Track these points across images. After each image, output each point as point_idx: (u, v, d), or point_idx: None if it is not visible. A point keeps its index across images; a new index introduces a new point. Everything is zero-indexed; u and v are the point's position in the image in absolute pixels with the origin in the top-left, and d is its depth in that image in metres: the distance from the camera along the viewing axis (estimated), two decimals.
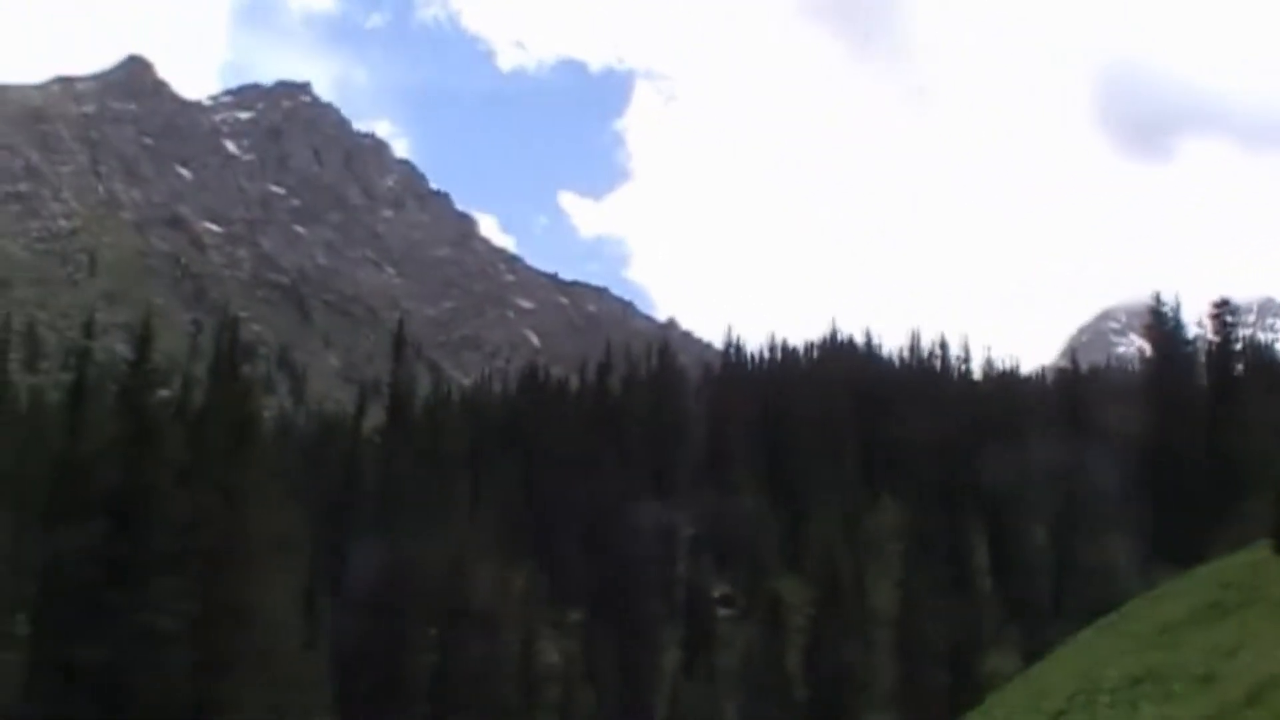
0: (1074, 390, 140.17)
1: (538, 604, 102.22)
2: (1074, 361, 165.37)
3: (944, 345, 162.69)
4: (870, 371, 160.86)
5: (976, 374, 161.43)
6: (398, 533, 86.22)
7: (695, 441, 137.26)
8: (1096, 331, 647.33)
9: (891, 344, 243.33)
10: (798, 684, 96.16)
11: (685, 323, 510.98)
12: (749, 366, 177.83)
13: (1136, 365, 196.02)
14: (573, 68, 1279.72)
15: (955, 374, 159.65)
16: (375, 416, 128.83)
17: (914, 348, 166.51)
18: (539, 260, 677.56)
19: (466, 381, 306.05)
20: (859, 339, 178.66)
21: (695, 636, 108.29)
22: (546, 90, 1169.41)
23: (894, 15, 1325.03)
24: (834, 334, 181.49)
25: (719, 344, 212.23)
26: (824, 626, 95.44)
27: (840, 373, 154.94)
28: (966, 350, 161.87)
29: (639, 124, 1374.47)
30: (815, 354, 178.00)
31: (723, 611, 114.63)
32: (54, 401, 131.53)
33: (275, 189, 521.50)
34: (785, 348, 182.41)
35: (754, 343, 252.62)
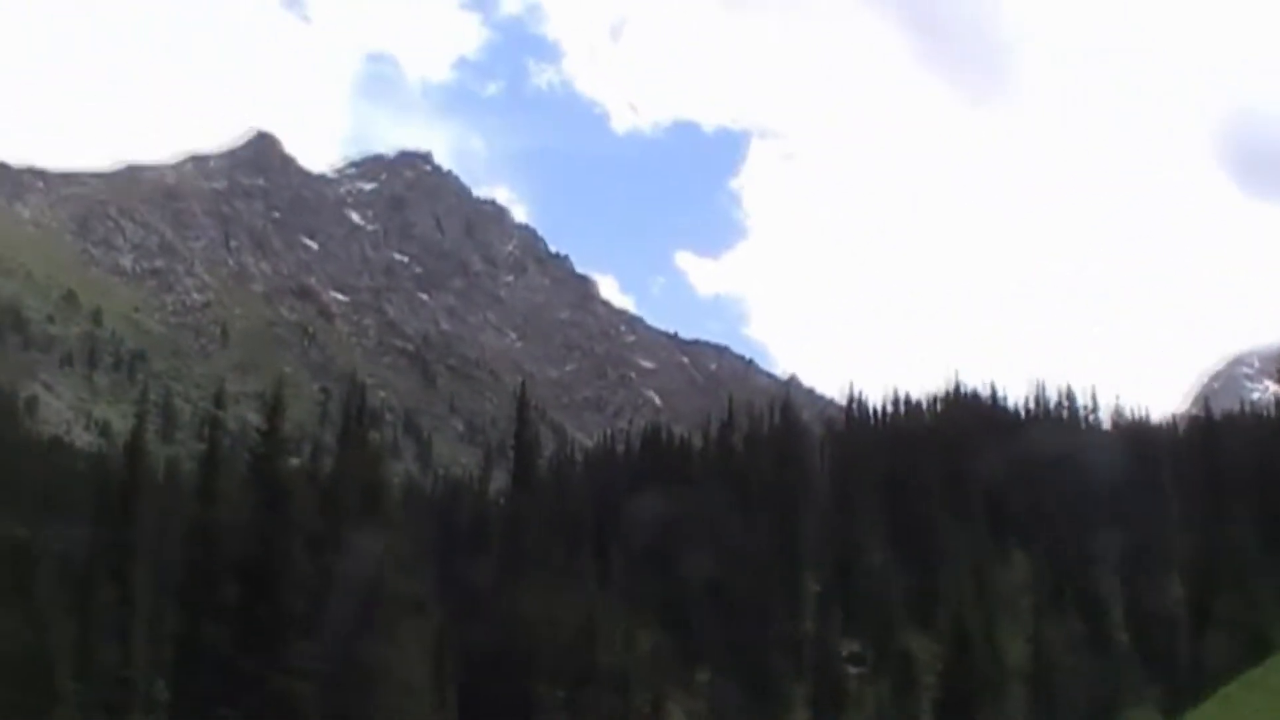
0: (1209, 437, 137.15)
1: (665, 663, 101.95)
2: (1207, 408, 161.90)
3: (1070, 395, 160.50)
4: (995, 423, 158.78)
5: (1105, 423, 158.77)
6: (525, 593, 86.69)
7: (819, 497, 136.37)
8: (1229, 377, 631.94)
9: (1016, 394, 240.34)
10: None
11: (806, 379, 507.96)
12: (871, 421, 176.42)
13: (1273, 411, 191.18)
14: (687, 128, 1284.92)
15: (1083, 423, 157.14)
16: (500, 479, 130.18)
17: (1039, 398, 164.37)
18: (658, 320, 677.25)
19: (589, 443, 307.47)
20: (983, 390, 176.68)
21: (824, 695, 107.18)
22: (661, 151, 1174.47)
23: (1012, 62, 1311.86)
24: (957, 386, 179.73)
25: (841, 399, 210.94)
26: (956, 683, 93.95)
27: (965, 425, 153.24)
28: (1094, 399, 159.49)
29: (754, 182, 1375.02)
30: (939, 407, 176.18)
31: (852, 669, 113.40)
32: (189, 471, 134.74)
33: (399, 257, 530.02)
34: (908, 401, 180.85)
35: (876, 397, 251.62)
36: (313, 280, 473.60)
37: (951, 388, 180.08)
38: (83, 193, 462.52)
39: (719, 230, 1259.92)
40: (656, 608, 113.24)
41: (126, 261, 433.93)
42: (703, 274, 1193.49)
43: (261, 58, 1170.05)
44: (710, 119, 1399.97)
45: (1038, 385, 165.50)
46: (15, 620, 57.79)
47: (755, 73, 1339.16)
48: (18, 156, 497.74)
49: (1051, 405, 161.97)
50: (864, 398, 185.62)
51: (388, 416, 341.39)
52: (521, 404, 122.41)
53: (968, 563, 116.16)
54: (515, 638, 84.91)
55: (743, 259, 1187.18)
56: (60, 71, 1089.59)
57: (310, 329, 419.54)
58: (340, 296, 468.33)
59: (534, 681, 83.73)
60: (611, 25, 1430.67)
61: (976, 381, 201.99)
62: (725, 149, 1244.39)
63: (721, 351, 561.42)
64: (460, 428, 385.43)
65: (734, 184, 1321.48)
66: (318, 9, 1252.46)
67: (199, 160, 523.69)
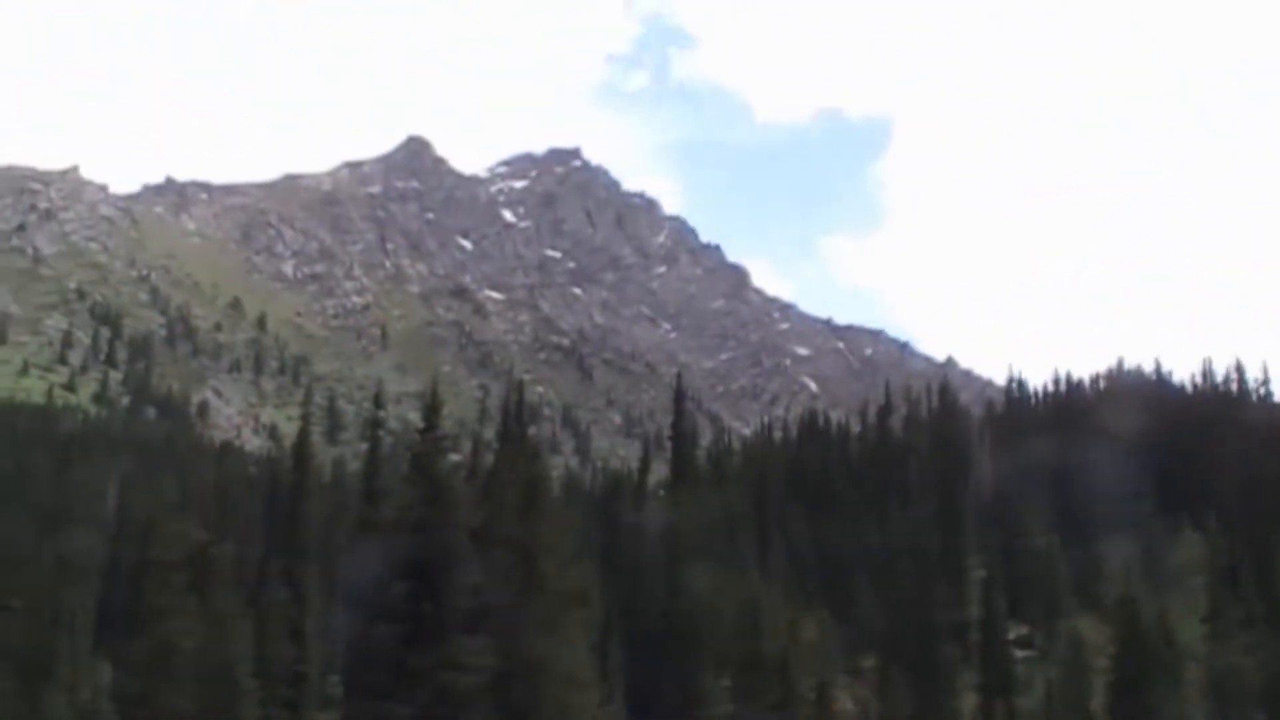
0: None
1: (830, 650, 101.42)
2: None
3: (1240, 369, 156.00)
4: (1162, 401, 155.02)
5: (1278, 396, 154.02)
6: (687, 584, 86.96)
7: (981, 480, 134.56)
8: None
9: (1183, 372, 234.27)
10: None
11: (963, 361, 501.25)
12: (1032, 402, 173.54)
13: None
14: (831, 115, 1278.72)
15: (1254, 398, 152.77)
16: (659, 470, 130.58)
17: (1207, 374, 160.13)
18: (811, 306, 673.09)
19: (747, 431, 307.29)
20: (1147, 368, 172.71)
21: (992, 679, 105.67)
22: (806, 138, 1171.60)
23: (1177, 34, 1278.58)
24: (1120, 363, 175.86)
25: (1000, 381, 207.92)
26: (1128, 666, 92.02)
27: (1130, 403, 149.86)
28: (1265, 373, 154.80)
29: (900, 166, 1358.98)
30: (1102, 385, 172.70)
31: (1020, 653, 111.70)
32: (354, 471, 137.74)
33: (552, 253, 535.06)
34: (1070, 381, 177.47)
35: (1035, 378, 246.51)
36: (468, 279, 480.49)
37: (1114, 366, 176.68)
38: (245, 203, 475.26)
39: (867, 216, 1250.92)
40: (819, 595, 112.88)
41: (288, 268, 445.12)
42: (853, 259, 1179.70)
43: (413, 62, 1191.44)
44: (854, 105, 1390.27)
45: (1205, 362, 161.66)
46: (194, 620, 59.55)
47: (896, 59, 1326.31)
48: (183, 171, 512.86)
49: (1220, 381, 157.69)
50: (1024, 378, 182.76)
51: (546, 411, 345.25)
52: (678, 395, 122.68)
53: (1136, 543, 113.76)
54: (679, 628, 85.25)
55: (894, 242, 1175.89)
56: (221, 89, 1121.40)
57: (467, 327, 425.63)
58: (495, 294, 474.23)
59: (699, 671, 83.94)
60: (753, 14, 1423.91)
61: (1141, 359, 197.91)
62: (870, 135, 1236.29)
63: (876, 336, 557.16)
64: (617, 420, 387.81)
65: (880, 169, 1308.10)
66: (463, 11, 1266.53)
67: (354, 166, 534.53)
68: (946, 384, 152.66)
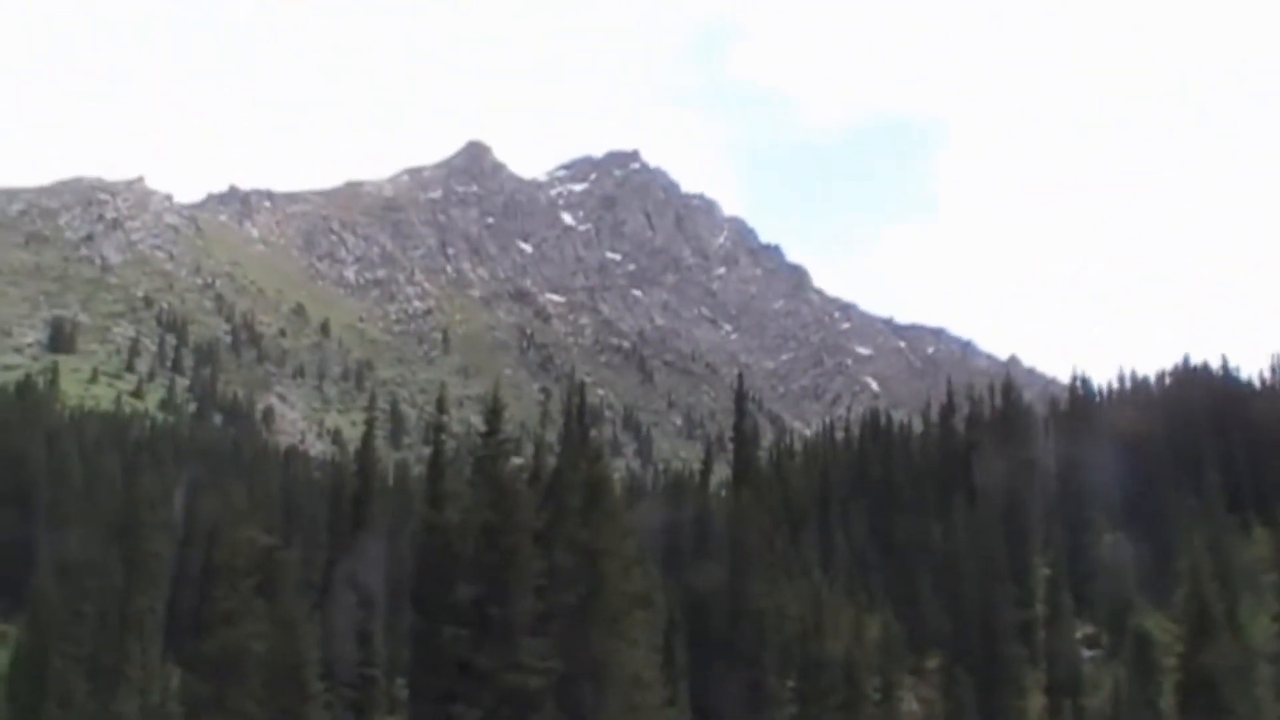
0: None
1: (895, 651, 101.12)
2: None
3: None
4: (1230, 397, 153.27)
5: None
6: (751, 585, 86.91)
7: (1046, 478, 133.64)
8: None
9: (1250, 368, 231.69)
10: None
11: (1026, 359, 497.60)
12: (1098, 399, 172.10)
13: None
14: (885, 115, 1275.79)
15: None
16: (721, 472, 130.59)
17: (1275, 369, 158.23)
18: (871, 306, 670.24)
19: (808, 431, 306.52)
20: (1214, 364, 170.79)
21: (1059, 680, 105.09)
22: (862, 137, 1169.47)
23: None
24: (1185, 361, 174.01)
25: (1063, 379, 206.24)
26: (1198, 665, 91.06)
27: (1197, 400, 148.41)
28: None
29: (956, 165, 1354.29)
30: (1167, 382, 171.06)
31: (1087, 653, 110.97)
32: (417, 474, 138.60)
33: (612, 255, 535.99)
34: (1135, 378, 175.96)
35: (1100, 376, 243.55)
36: (528, 283, 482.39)
37: (1180, 363, 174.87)
38: (307, 210, 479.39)
39: (926, 214, 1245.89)
40: (883, 595, 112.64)
41: (350, 274, 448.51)
42: (913, 259, 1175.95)
43: (472, 68, 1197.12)
44: (910, 104, 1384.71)
45: (1274, 357, 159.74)
46: (262, 623, 60.14)
47: (951, 58, 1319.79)
48: (246, 179, 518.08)
49: None
50: (1088, 376, 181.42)
51: (607, 414, 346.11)
52: (739, 396, 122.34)
53: (1204, 539, 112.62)
54: (742, 629, 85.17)
55: (952, 242, 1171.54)
56: (283, 98, 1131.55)
57: (528, 331, 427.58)
58: (556, 297, 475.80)
59: (763, 672, 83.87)
60: (807, 13, 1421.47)
61: (1208, 355, 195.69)
62: (926, 133, 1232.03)
63: (938, 334, 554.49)
64: (679, 422, 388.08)
65: (937, 168, 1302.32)
66: (519, 17, 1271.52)
67: (415, 172, 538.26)
68: (1010, 382, 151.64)
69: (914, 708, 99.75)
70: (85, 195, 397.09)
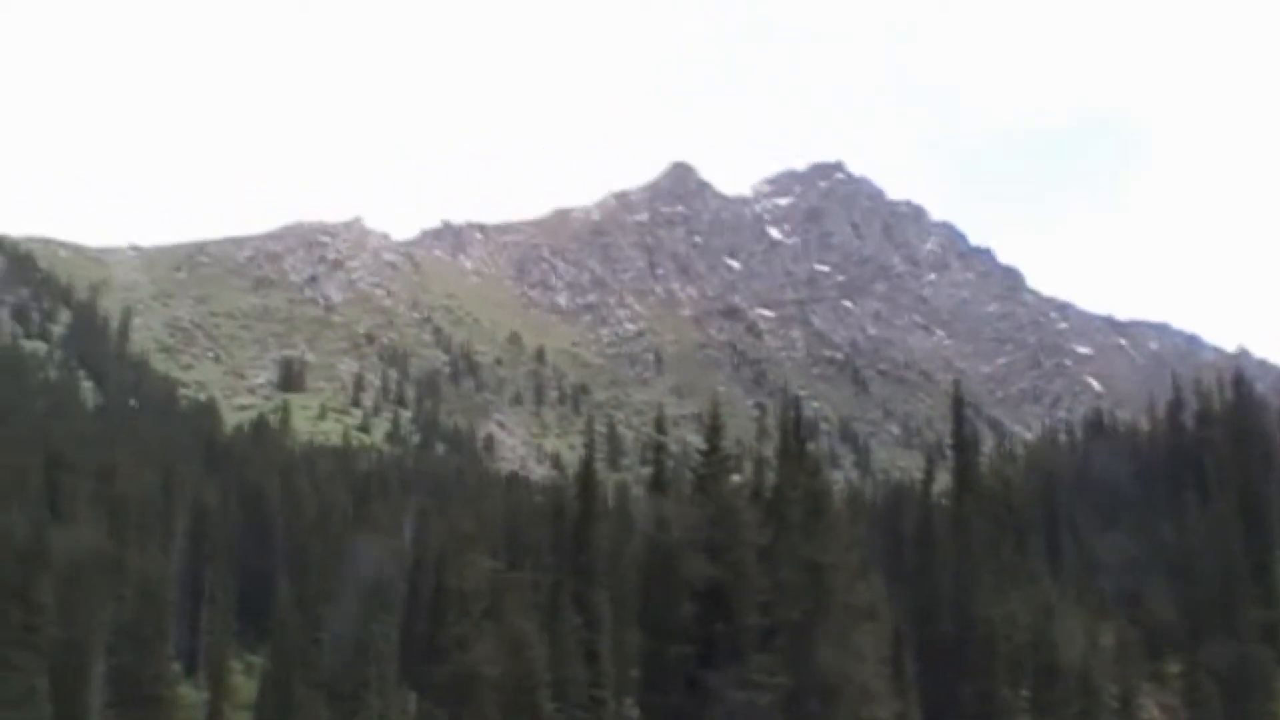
0: None
1: (1131, 657, 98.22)
2: None
3: None
4: None
5: None
6: (978, 594, 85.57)
7: None
8: None
9: None
10: None
11: (1256, 350, 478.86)
12: None
13: None
14: (1084, 111, 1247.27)
15: None
16: (942, 480, 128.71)
17: None
18: (1089, 304, 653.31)
19: (1029, 435, 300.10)
20: None
21: None
22: (1059, 135, 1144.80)
23: None
24: None
25: None
26: None
27: None
28: None
29: (1163, 159, 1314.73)
30: None
31: None
32: (637, 495, 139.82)
33: (820, 267, 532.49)
34: None
35: None
36: (738, 299, 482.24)
37: None
38: (518, 240, 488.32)
39: (1136, 209, 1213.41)
40: (1116, 600, 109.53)
41: (562, 300, 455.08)
42: (1128, 253, 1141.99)
43: (668, 91, 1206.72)
44: (1106, 101, 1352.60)
45: None
46: (494, 647, 61.41)
47: (1146, 55, 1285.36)
48: (458, 214, 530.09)
49: None
50: None
51: (823, 426, 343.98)
52: (956, 402, 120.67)
53: None
54: (972, 638, 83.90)
55: (1169, 235, 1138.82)
56: (490, 133, 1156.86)
57: (740, 347, 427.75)
58: (766, 312, 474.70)
59: (995, 682, 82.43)
60: (1002, 15, 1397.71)
61: None
62: (1127, 128, 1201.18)
63: (1160, 330, 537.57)
64: (896, 431, 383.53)
65: (1144, 162, 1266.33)
66: (705, 38, 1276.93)
67: (621, 196, 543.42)
68: (1241, 374, 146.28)
69: (1156, 716, 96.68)
70: (307, 238, 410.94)
